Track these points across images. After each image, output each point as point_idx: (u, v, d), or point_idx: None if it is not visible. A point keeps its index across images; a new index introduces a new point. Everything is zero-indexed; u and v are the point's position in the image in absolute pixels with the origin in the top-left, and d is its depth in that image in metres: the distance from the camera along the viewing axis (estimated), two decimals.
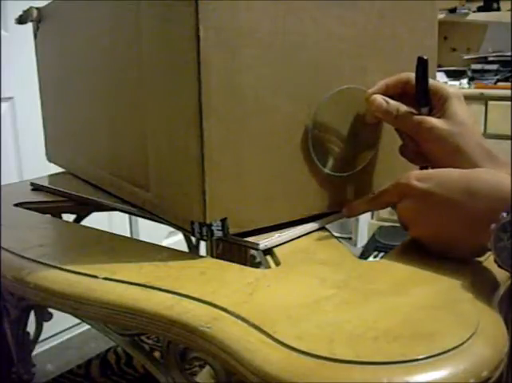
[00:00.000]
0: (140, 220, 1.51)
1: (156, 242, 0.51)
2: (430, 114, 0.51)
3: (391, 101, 0.53)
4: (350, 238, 2.31)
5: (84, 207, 0.69)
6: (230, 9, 0.44)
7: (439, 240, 0.46)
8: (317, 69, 0.51)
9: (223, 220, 0.47)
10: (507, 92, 1.92)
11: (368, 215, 2.20)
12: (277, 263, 0.46)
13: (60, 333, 1.49)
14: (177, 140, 0.48)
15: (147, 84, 0.52)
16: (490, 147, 0.50)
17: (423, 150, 0.52)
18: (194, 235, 0.48)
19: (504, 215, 0.39)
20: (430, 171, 0.47)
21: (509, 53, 2.13)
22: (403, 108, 0.52)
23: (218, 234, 0.47)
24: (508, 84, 2.03)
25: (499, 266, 0.40)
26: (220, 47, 0.44)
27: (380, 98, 0.53)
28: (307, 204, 0.53)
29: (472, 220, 0.42)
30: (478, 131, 0.52)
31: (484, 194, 0.42)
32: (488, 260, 0.45)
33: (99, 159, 0.69)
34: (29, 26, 0.83)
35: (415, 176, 0.46)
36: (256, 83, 0.47)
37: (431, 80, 0.52)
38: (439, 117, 0.51)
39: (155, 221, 0.56)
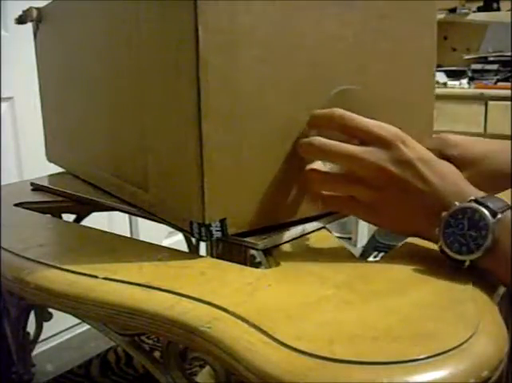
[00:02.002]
0: (140, 220, 1.51)
1: (156, 242, 0.51)
2: None
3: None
4: (350, 239, 2.31)
5: (84, 207, 0.69)
6: (229, 10, 0.44)
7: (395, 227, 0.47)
8: (316, 69, 0.51)
9: (222, 221, 0.47)
10: (507, 92, 1.92)
11: None
12: (277, 263, 0.46)
13: (60, 333, 1.49)
14: (176, 140, 0.48)
15: (147, 85, 0.52)
16: None
17: None
18: (193, 236, 0.48)
19: (456, 203, 0.42)
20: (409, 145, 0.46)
21: (509, 53, 2.14)
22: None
23: (217, 234, 0.47)
24: (508, 84, 2.03)
25: (442, 251, 0.42)
26: (219, 48, 0.44)
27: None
28: (306, 205, 0.53)
29: (434, 211, 0.43)
30: None
31: (440, 184, 0.44)
32: None
33: (98, 160, 0.69)
34: (29, 26, 0.83)
35: (403, 139, 0.45)
36: (255, 83, 0.47)
37: None
38: None
39: (155, 221, 0.56)
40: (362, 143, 0.46)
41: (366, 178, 0.45)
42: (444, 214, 0.42)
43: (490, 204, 0.41)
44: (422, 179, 0.44)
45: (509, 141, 0.54)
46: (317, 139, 0.47)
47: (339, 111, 0.47)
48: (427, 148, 0.49)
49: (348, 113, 0.47)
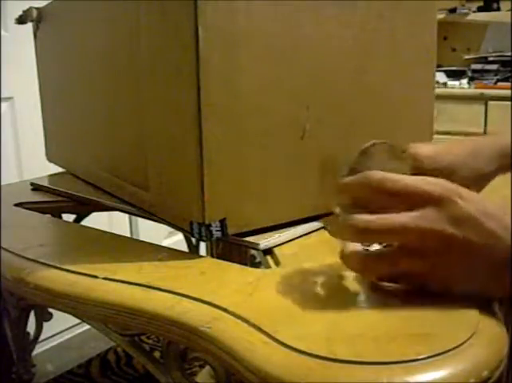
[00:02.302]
0: (140, 220, 1.51)
1: (156, 242, 0.51)
2: None
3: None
4: None
5: (84, 207, 0.69)
6: (229, 10, 0.44)
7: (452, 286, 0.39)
8: (315, 69, 0.51)
9: (222, 220, 0.47)
10: (507, 92, 1.92)
11: None
12: (277, 263, 0.46)
13: (60, 333, 1.49)
14: (176, 140, 0.48)
15: (147, 85, 0.52)
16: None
17: None
18: (193, 236, 0.48)
19: None
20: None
21: (509, 53, 2.13)
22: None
23: (217, 234, 0.47)
24: (508, 84, 2.03)
25: None
26: (219, 48, 0.44)
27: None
28: (306, 204, 0.53)
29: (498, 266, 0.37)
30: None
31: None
32: None
33: (98, 160, 0.69)
34: (29, 26, 0.83)
35: (459, 192, 0.37)
36: (255, 83, 0.47)
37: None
38: None
39: (155, 221, 0.56)
40: (409, 207, 0.38)
41: (423, 247, 0.38)
42: None
43: None
44: (490, 234, 0.37)
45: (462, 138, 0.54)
46: (355, 218, 0.38)
47: (377, 174, 0.39)
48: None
49: (385, 174, 0.39)
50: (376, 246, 0.40)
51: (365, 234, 0.38)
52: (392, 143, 0.44)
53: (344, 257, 0.40)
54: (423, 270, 0.38)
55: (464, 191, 0.38)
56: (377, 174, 0.39)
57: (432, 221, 0.37)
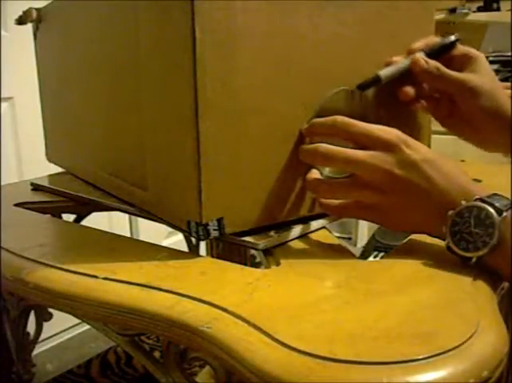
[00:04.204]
0: (140, 220, 1.51)
1: (156, 242, 0.51)
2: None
3: (431, 61, 0.54)
4: (350, 238, 2.31)
5: (84, 207, 0.69)
6: (226, 10, 0.44)
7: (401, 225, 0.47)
8: (313, 69, 0.51)
9: (220, 220, 0.47)
10: (507, 93, 1.92)
11: None
12: (277, 263, 0.46)
13: (60, 333, 1.49)
14: (173, 139, 0.48)
15: (145, 85, 0.52)
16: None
17: (461, 111, 0.55)
18: (191, 235, 0.48)
19: (463, 202, 0.43)
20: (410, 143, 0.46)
21: (509, 53, 2.13)
22: (443, 67, 0.54)
23: (214, 233, 0.47)
24: (508, 84, 2.03)
25: (449, 248, 0.43)
26: (216, 48, 0.44)
27: (421, 58, 0.54)
28: (305, 204, 0.53)
29: (443, 211, 0.44)
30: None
31: (444, 184, 0.44)
32: None
33: (97, 159, 0.69)
34: (29, 26, 0.83)
35: (405, 141, 0.45)
36: (252, 83, 0.47)
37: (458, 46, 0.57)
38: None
39: (154, 220, 0.56)
40: (365, 148, 0.46)
41: (372, 182, 0.46)
42: (451, 213, 0.43)
43: (495, 203, 0.41)
44: (427, 180, 0.44)
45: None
46: (322, 145, 0.48)
47: (340, 118, 0.48)
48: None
49: (349, 119, 0.47)
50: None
51: (326, 158, 0.47)
52: (354, 89, 0.54)
53: (307, 180, 0.50)
54: (371, 202, 0.47)
55: (412, 140, 0.46)
56: (340, 117, 0.48)
57: (382, 161, 0.45)
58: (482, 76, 0.54)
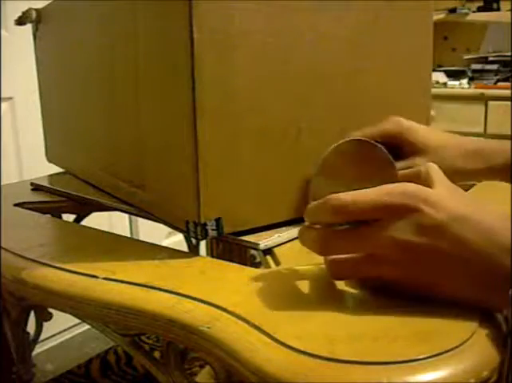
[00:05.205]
0: (140, 220, 1.51)
1: (156, 242, 0.51)
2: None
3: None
4: None
5: (84, 207, 0.69)
6: (224, 10, 0.44)
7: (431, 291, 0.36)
8: (311, 69, 0.51)
9: (218, 220, 0.47)
10: (507, 92, 1.92)
11: None
12: (277, 263, 0.46)
13: (60, 333, 1.49)
14: (172, 139, 0.48)
15: (143, 85, 0.52)
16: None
17: None
18: (189, 235, 0.48)
19: None
20: (442, 195, 0.35)
21: (509, 53, 2.13)
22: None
23: (212, 233, 0.47)
24: (508, 84, 2.03)
25: None
26: (214, 48, 0.44)
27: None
28: (302, 203, 0.53)
29: (490, 279, 0.34)
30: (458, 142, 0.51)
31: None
32: None
33: (97, 160, 0.69)
34: (29, 26, 0.83)
35: (425, 198, 0.35)
36: (250, 83, 0.47)
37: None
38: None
39: (153, 220, 0.56)
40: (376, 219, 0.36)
41: (389, 257, 0.36)
42: None
43: None
44: (461, 243, 0.34)
45: (457, 135, 0.53)
46: (322, 232, 0.38)
47: (334, 200, 0.36)
48: (386, 132, 0.48)
49: (344, 197, 0.36)
50: None
51: (327, 247, 0.37)
52: (365, 139, 0.43)
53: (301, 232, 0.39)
54: (395, 277, 0.36)
55: (432, 194, 0.35)
56: (334, 199, 0.36)
57: (395, 231, 0.35)
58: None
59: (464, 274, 0.34)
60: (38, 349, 1.40)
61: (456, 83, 2.16)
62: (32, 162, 1.30)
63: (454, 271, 0.35)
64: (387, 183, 0.37)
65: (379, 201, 0.35)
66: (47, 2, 0.78)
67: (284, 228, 0.51)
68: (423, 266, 0.35)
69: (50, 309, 0.65)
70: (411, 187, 0.35)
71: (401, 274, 0.36)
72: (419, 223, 0.34)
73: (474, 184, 0.62)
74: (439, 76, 2.19)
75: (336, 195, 0.36)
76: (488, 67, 2.20)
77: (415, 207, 0.34)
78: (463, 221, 0.34)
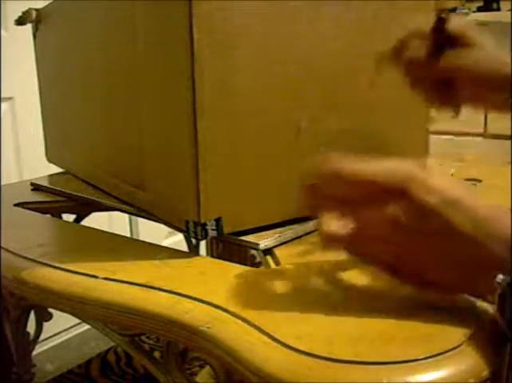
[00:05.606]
0: (140, 220, 1.51)
1: (156, 242, 0.51)
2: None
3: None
4: None
5: (84, 207, 0.69)
6: (224, 11, 0.44)
7: (419, 278, 0.36)
8: (310, 69, 0.51)
9: (218, 220, 0.47)
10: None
11: None
12: (277, 263, 0.46)
13: (60, 333, 1.49)
14: (171, 139, 0.48)
15: (143, 85, 0.52)
16: None
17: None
18: (189, 235, 0.48)
19: None
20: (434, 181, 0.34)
21: None
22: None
23: (212, 233, 0.47)
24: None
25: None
26: (214, 48, 0.44)
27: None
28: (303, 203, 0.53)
29: (476, 264, 0.33)
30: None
31: (502, 238, 0.32)
32: None
33: (97, 160, 0.69)
34: (29, 26, 0.83)
35: (420, 180, 0.34)
36: (249, 83, 0.47)
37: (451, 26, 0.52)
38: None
39: (153, 220, 0.56)
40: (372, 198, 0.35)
41: (387, 235, 0.35)
42: (501, 279, 0.32)
43: None
44: (451, 227, 0.33)
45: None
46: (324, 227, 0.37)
47: (347, 164, 0.36)
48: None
49: (357, 165, 0.36)
50: None
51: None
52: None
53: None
54: (385, 258, 0.36)
55: (421, 175, 0.34)
56: (336, 161, 0.36)
57: (388, 210, 0.34)
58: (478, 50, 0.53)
59: (451, 258, 0.34)
60: (38, 349, 1.40)
61: None
62: (32, 162, 1.30)
63: (442, 255, 0.34)
64: None
65: (378, 176, 0.35)
66: (47, 2, 0.78)
67: (284, 228, 0.51)
68: (412, 247, 0.35)
69: (50, 309, 0.66)
70: (409, 167, 0.35)
71: (391, 254, 0.36)
72: (411, 205, 0.34)
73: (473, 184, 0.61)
74: None
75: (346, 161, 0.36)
76: None
77: (409, 188, 0.34)
78: (455, 205, 0.33)
